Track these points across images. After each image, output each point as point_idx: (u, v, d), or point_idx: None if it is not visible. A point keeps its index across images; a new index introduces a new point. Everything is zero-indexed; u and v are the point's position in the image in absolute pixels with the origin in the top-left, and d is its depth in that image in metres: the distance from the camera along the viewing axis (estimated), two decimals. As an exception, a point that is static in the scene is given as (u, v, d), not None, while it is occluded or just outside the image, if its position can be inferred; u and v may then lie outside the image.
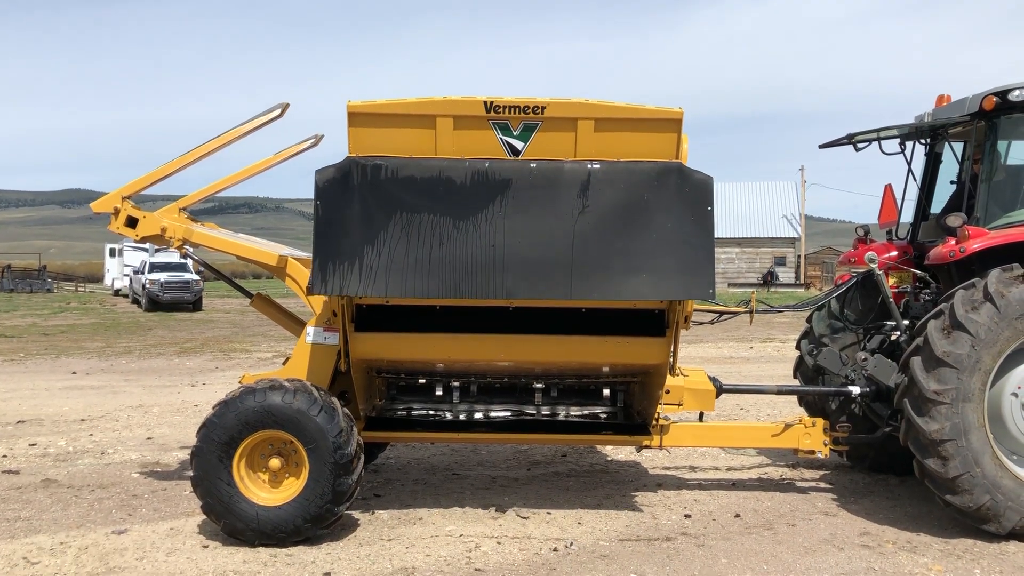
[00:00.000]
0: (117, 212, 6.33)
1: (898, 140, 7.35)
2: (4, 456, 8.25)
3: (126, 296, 40.41)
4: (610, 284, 5.33)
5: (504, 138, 5.43)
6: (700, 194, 5.34)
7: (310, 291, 5.58)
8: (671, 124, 5.45)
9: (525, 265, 5.28)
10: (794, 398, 7.94)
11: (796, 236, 60.15)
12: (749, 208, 61.33)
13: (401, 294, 5.36)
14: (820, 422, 6.62)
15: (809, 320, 7.86)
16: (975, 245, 6.19)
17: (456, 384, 6.25)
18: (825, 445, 6.59)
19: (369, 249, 5.26)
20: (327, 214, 5.30)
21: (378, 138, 5.42)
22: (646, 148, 5.46)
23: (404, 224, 5.27)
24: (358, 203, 5.29)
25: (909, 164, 7.40)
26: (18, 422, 10.01)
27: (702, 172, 5.37)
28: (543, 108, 5.38)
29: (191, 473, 5.57)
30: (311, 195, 5.32)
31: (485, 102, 5.37)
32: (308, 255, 6.82)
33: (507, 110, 5.38)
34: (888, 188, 7.72)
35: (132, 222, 6.36)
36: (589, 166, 5.36)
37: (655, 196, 5.33)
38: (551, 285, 5.31)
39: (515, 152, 5.46)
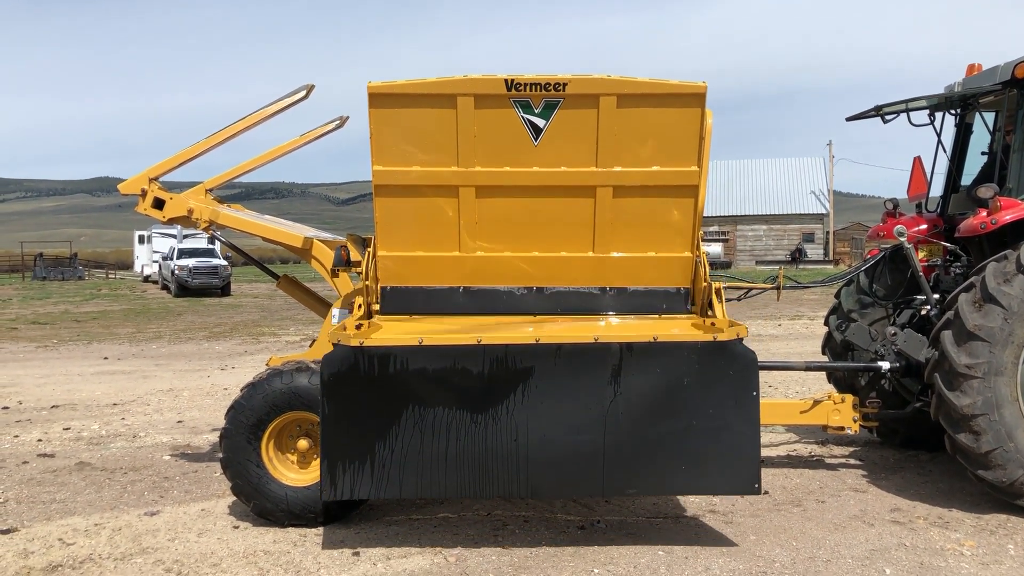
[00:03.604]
0: (144, 194, 6.36)
1: (927, 111, 7.21)
2: (39, 440, 8.39)
3: (155, 282, 40.89)
4: (646, 479, 5.07)
5: (526, 116, 5.38)
6: (745, 376, 5.00)
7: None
8: (695, 99, 5.36)
9: (551, 460, 4.99)
10: (823, 375, 7.87)
11: (824, 212, 59.50)
12: (776, 185, 60.78)
13: (416, 495, 5.25)
14: (849, 398, 6.55)
15: (837, 296, 7.77)
16: (1007, 216, 6.07)
17: None
18: (855, 421, 6.52)
19: (380, 446, 4.96)
20: (335, 411, 4.97)
21: (399, 119, 5.40)
22: (670, 124, 5.40)
23: (417, 417, 4.95)
24: (366, 395, 4.96)
25: (939, 135, 7.26)
26: (52, 407, 10.18)
27: (746, 347, 5.01)
28: (564, 85, 5.31)
29: (221, 455, 5.63)
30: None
31: (506, 80, 5.32)
32: (334, 237, 6.83)
33: (528, 87, 5.31)
34: (917, 160, 7.60)
35: (159, 204, 6.39)
36: (621, 346, 4.97)
37: (695, 379, 4.97)
38: (580, 482, 5.09)
39: (537, 131, 5.41)
